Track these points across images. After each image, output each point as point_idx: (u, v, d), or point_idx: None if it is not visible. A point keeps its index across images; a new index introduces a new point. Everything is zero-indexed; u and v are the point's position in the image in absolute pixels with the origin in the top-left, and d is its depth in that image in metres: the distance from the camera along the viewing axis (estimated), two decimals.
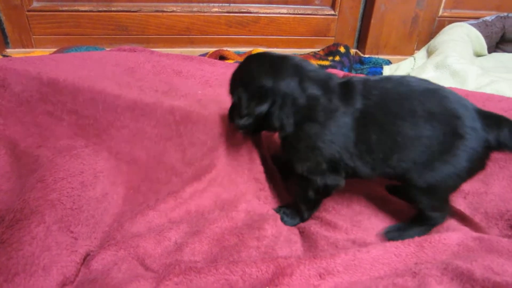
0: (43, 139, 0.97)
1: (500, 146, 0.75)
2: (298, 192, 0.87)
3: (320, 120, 0.77)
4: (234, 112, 0.89)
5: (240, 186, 0.97)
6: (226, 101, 1.20)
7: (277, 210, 0.92)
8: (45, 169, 0.86)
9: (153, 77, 1.33)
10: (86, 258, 0.77)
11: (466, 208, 0.93)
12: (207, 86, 1.39)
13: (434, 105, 0.74)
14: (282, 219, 0.89)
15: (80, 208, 0.82)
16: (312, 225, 0.86)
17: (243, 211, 0.90)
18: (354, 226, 0.86)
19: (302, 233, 0.86)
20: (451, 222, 0.88)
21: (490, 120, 0.75)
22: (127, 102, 1.12)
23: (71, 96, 1.11)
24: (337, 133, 0.77)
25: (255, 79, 0.80)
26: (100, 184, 0.93)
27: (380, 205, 0.91)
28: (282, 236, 0.83)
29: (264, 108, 0.79)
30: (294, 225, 0.89)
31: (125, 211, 0.91)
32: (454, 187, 0.81)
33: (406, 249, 0.73)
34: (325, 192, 0.83)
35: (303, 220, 0.89)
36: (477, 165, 0.77)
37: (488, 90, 1.49)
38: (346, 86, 0.80)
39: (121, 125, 1.08)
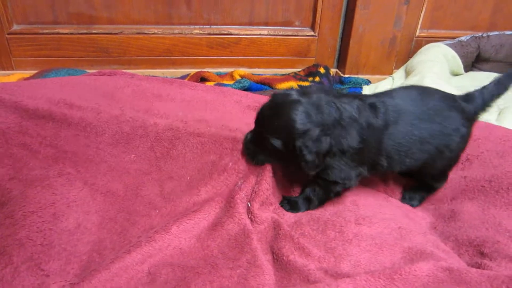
0: (16, 171, 0.96)
1: (476, 114, 1.02)
2: (319, 193, 1.01)
3: (356, 146, 0.91)
4: (290, 159, 0.94)
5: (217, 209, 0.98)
6: (205, 132, 1.22)
7: (281, 203, 1.04)
8: (14, 203, 0.85)
9: (132, 101, 1.33)
10: None
11: (438, 237, 0.94)
12: (187, 112, 1.39)
13: (438, 116, 0.96)
14: (285, 209, 1.02)
15: (51, 243, 0.81)
16: (287, 251, 0.86)
17: (219, 236, 0.90)
18: (328, 253, 0.86)
19: (276, 260, 0.86)
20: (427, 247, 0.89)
21: (469, 100, 1.01)
22: (110, 138, 1.12)
23: (53, 131, 1.11)
24: (368, 153, 0.94)
25: (311, 125, 0.88)
26: (73, 214, 0.91)
27: (354, 231, 0.91)
28: (257, 262, 0.83)
29: (327, 146, 0.89)
30: (296, 213, 1.02)
31: (103, 239, 0.89)
32: (455, 163, 1.05)
33: (376, 282, 0.74)
34: (340, 193, 1.02)
35: (307, 210, 1.02)
36: (467, 141, 1.02)
37: None
38: (373, 107, 0.95)
39: (100, 160, 1.08)
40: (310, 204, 1.02)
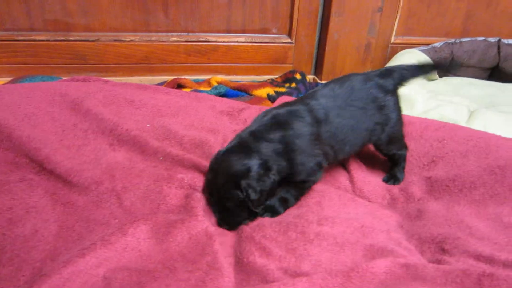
0: None
1: (395, 87, 1.12)
2: (294, 193, 1.04)
3: (299, 145, 0.98)
4: (241, 208, 0.96)
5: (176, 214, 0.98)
6: (173, 135, 1.22)
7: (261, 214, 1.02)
8: None
9: (102, 109, 1.31)
10: None
11: (403, 236, 0.94)
12: (158, 116, 1.38)
13: (360, 101, 1.06)
14: (263, 215, 1.01)
15: (3, 248, 0.80)
16: (247, 252, 0.85)
17: (179, 235, 0.89)
18: (288, 253, 0.85)
19: (237, 263, 0.85)
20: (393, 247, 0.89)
21: (386, 75, 1.11)
22: (64, 164, 1.07)
23: (8, 137, 1.10)
24: (313, 146, 1.00)
25: (250, 163, 0.93)
26: (32, 220, 0.90)
27: (316, 231, 0.91)
28: (217, 264, 0.82)
29: (273, 177, 0.95)
30: (276, 216, 1.01)
31: (58, 247, 0.88)
32: (401, 128, 1.14)
33: (333, 280, 0.73)
34: (311, 186, 1.07)
35: (286, 209, 1.03)
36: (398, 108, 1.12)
37: (434, 113, 1.55)
38: (297, 113, 1.01)
39: (57, 174, 1.05)
40: (287, 203, 1.04)
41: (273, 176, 0.95)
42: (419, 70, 1.16)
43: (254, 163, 0.93)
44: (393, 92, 1.11)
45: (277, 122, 1.00)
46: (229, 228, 0.98)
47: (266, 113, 1.05)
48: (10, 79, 1.79)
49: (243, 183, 0.92)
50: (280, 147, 0.97)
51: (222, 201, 0.97)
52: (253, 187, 0.92)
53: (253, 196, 0.92)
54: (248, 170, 0.93)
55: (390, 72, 1.12)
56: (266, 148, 0.96)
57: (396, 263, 0.77)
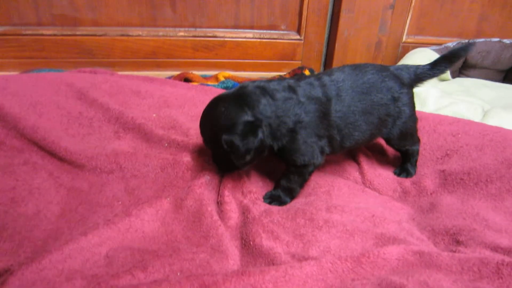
0: None
1: (411, 82, 1.06)
2: (294, 178, 0.98)
3: (304, 119, 0.91)
4: (224, 158, 0.93)
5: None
6: (179, 124, 1.19)
7: (268, 200, 0.99)
8: None
9: (108, 99, 1.30)
10: (5, 274, 0.71)
11: (415, 227, 0.90)
12: (164, 107, 1.37)
13: (374, 88, 0.99)
14: (274, 204, 0.97)
15: (4, 225, 0.78)
16: (254, 234, 0.82)
17: (184, 220, 0.87)
18: (296, 238, 0.82)
19: (243, 245, 0.82)
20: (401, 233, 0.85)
21: (403, 69, 1.07)
22: (69, 149, 1.06)
23: (13, 125, 1.09)
24: (320, 124, 0.93)
25: (236, 118, 0.86)
26: (34, 201, 0.88)
27: (324, 218, 0.87)
28: (222, 247, 0.80)
29: (260, 137, 0.86)
30: (285, 204, 0.98)
31: (61, 227, 0.86)
32: (415, 124, 1.09)
33: (343, 265, 0.70)
34: (313, 171, 1.00)
35: (293, 198, 1.00)
36: (411, 104, 1.06)
37: (447, 111, 1.51)
38: (309, 84, 0.95)
39: (62, 158, 1.05)
40: (292, 192, 1.00)
41: (261, 134, 0.86)
42: (435, 67, 1.08)
43: (240, 121, 0.86)
44: (409, 86, 1.06)
45: (288, 86, 0.93)
46: (222, 170, 0.99)
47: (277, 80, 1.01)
48: (17, 73, 1.79)
49: (224, 137, 0.86)
50: (284, 111, 0.89)
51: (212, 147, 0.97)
52: (236, 145, 0.85)
53: (237, 153, 0.86)
54: (232, 125, 0.86)
55: (407, 67, 1.08)
56: (267, 106, 0.88)
57: (409, 250, 0.73)
